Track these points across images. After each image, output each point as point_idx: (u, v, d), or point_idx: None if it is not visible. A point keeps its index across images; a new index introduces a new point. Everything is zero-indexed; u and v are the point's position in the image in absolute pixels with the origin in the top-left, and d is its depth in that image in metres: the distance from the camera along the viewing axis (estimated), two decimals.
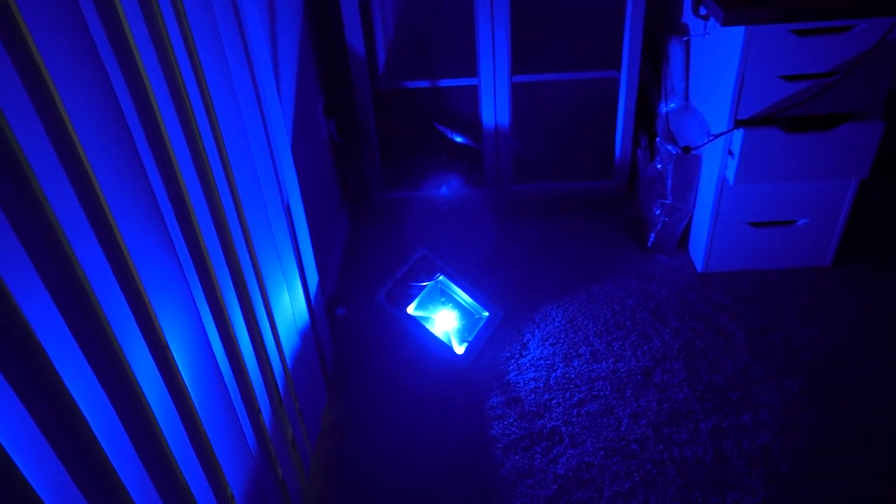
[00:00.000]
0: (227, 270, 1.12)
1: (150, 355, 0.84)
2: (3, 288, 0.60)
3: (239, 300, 1.17)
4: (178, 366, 0.93)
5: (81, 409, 0.69)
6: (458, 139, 2.55)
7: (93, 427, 0.70)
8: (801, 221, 2.07)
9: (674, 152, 2.09)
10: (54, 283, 0.66)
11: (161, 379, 0.86)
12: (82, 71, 0.73)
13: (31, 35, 0.66)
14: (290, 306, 1.47)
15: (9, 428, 0.61)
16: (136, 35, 0.87)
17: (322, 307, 1.79)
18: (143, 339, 0.82)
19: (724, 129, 1.90)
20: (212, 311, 1.04)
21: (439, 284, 2.07)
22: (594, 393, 1.83)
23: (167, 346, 0.89)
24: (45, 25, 0.67)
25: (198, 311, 0.97)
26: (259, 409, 1.26)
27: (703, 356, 1.90)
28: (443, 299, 2.06)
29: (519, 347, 1.98)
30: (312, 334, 1.65)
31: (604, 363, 1.91)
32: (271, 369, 1.34)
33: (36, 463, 0.64)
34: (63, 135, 0.69)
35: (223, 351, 1.08)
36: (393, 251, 2.38)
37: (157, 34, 0.90)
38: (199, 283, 1.00)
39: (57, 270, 0.67)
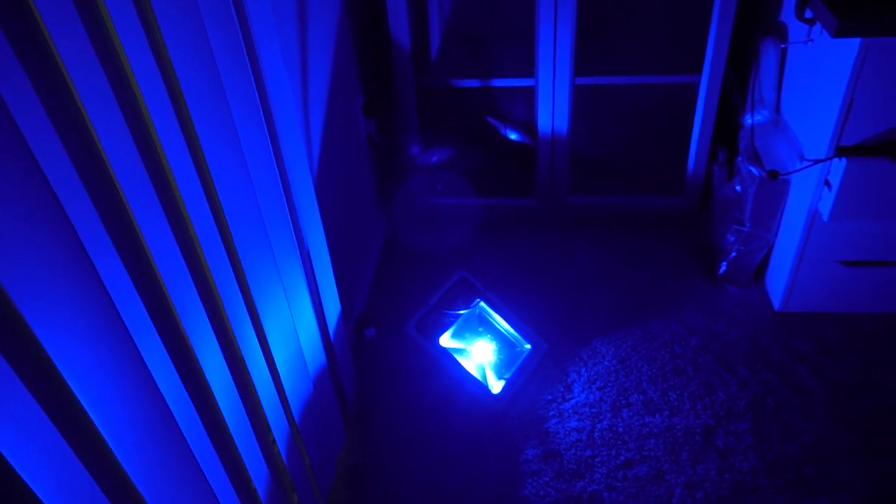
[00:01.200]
0: (209, 328, 0.94)
1: None
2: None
3: (226, 358, 1.00)
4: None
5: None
6: (513, 136, 2.30)
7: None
8: None
9: (757, 175, 1.81)
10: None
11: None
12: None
13: None
14: (299, 352, 1.30)
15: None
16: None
17: (344, 337, 1.62)
18: None
19: (823, 156, 1.61)
20: (178, 370, 0.87)
21: (478, 310, 1.87)
22: (644, 453, 1.61)
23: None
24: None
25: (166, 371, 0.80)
26: (250, 479, 1.10)
27: (776, 417, 1.65)
28: (481, 328, 1.86)
29: (562, 389, 1.77)
30: (329, 374, 1.48)
31: (657, 416, 1.68)
32: (270, 432, 1.18)
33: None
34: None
35: (197, 416, 0.92)
36: (432, 262, 2.19)
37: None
38: (159, 340, 0.83)
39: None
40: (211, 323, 0.95)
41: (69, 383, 0.69)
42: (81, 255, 0.68)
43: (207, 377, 0.95)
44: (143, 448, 0.81)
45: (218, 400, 0.98)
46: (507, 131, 2.29)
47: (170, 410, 0.83)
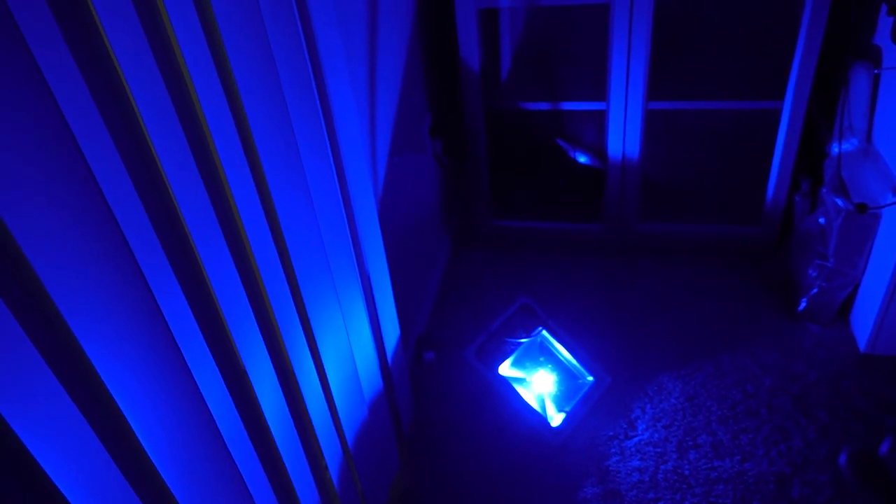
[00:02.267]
0: (264, 350, 0.94)
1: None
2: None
3: (280, 382, 0.99)
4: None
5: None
6: (582, 159, 2.25)
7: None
8: None
9: (843, 207, 1.70)
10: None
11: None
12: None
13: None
14: (355, 376, 1.28)
15: None
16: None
17: (402, 362, 1.60)
18: None
19: None
20: (232, 395, 0.87)
21: (539, 339, 1.82)
22: (711, 499, 1.51)
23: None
24: None
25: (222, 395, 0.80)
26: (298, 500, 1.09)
27: None
28: (542, 358, 1.81)
29: (625, 426, 1.69)
30: (385, 399, 1.46)
31: (727, 461, 1.59)
32: (323, 457, 1.17)
33: None
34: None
35: (249, 441, 0.91)
36: (495, 286, 2.15)
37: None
38: (215, 367, 0.83)
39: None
40: (266, 345, 0.95)
41: (121, 406, 0.69)
42: (137, 274, 0.69)
43: (260, 401, 0.94)
44: (193, 474, 0.81)
45: (270, 424, 0.97)
46: (577, 154, 2.24)
47: (221, 435, 0.83)
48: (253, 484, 0.92)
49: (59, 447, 0.61)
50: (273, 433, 0.98)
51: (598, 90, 1.95)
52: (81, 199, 0.61)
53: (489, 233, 2.29)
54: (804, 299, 1.88)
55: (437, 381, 1.87)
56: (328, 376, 1.17)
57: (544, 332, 1.81)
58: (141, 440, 0.72)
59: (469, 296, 2.15)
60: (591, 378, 1.76)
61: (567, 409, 1.71)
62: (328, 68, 1.08)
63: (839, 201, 1.72)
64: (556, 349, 1.81)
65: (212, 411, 0.81)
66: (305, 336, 1.07)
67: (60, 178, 0.59)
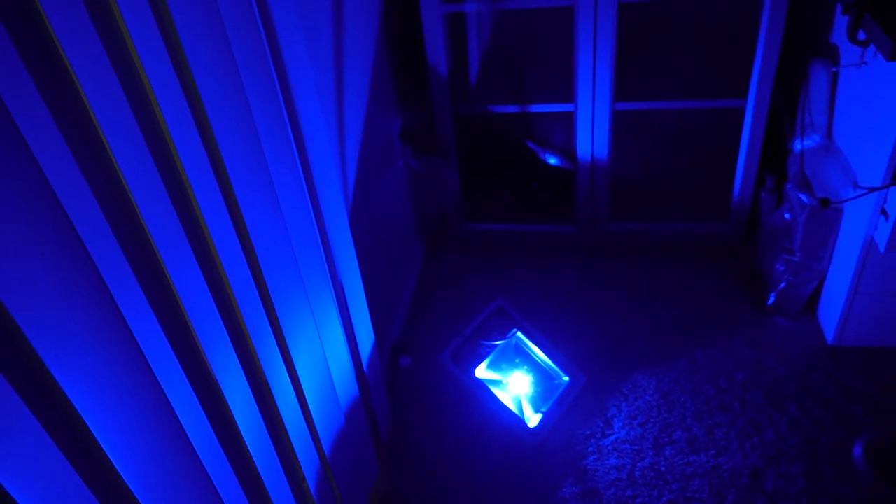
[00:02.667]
0: (235, 359, 0.93)
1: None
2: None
3: (253, 391, 0.98)
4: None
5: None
6: (553, 161, 2.27)
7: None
8: None
9: (808, 202, 1.73)
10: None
11: None
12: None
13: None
14: (330, 384, 1.28)
15: None
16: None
17: (378, 368, 1.59)
18: None
19: (879, 184, 1.53)
20: (202, 406, 0.85)
21: (515, 341, 1.82)
22: (688, 494, 1.53)
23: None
24: None
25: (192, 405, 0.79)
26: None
27: (830, 460, 1.56)
28: (518, 359, 1.82)
29: (601, 424, 1.71)
30: (362, 405, 1.46)
31: (702, 455, 1.61)
32: (300, 467, 1.16)
33: None
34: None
35: (220, 449, 0.90)
36: (470, 290, 2.16)
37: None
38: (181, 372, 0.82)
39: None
40: (238, 356, 0.94)
41: (87, 421, 0.67)
42: (103, 288, 0.67)
43: (233, 412, 0.93)
44: (165, 487, 0.80)
45: (244, 435, 0.96)
46: (547, 156, 2.25)
47: (192, 446, 0.82)
48: (227, 495, 0.91)
49: (24, 468, 0.59)
50: (248, 444, 0.97)
51: (566, 92, 1.97)
52: (38, 208, 0.60)
53: (463, 236, 2.30)
54: (773, 294, 1.91)
55: (413, 386, 1.87)
56: (303, 385, 1.16)
57: (519, 334, 1.82)
58: (109, 454, 0.70)
59: (444, 300, 2.15)
60: (566, 378, 1.77)
61: (544, 409, 1.72)
62: (294, 76, 1.07)
63: (803, 197, 1.75)
64: (531, 350, 1.81)
65: (182, 423, 0.80)
66: (278, 345, 1.06)
67: (14, 183, 0.58)
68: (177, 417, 0.79)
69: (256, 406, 1.00)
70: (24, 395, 0.59)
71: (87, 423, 0.67)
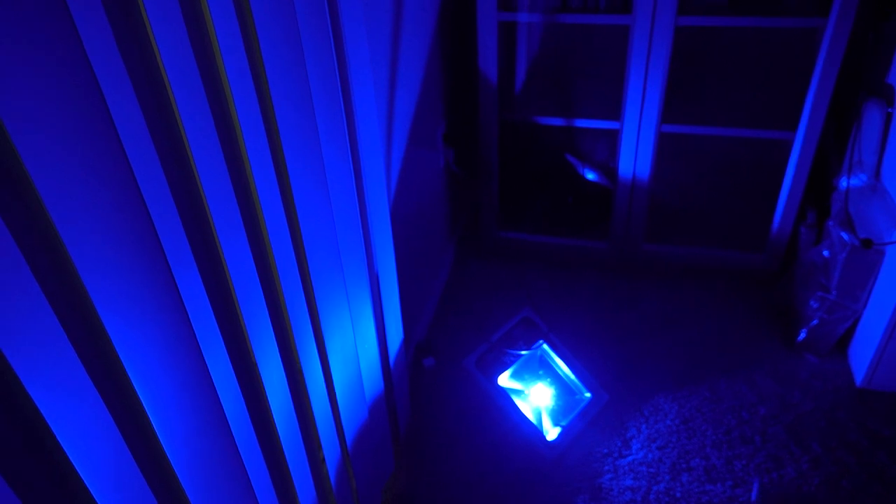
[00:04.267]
0: (273, 342, 0.95)
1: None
2: None
3: (287, 374, 1.00)
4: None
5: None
6: (591, 176, 2.27)
7: None
8: None
9: (849, 241, 1.72)
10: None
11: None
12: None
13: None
14: (358, 376, 1.29)
15: None
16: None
17: (403, 366, 1.61)
18: None
19: None
20: (240, 383, 0.87)
21: (539, 352, 1.83)
22: None
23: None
24: None
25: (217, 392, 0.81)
26: (296, 497, 1.09)
27: (851, 503, 1.53)
28: (541, 371, 1.82)
29: (620, 444, 1.70)
30: (385, 401, 1.47)
31: (719, 485, 1.59)
32: (321, 451, 1.17)
33: None
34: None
35: (252, 430, 0.92)
36: (497, 297, 2.16)
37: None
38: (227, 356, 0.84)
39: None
40: (276, 338, 0.96)
41: (136, 387, 0.70)
42: (162, 260, 0.70)
43: (267, 391, 0.95)
44: (196, 453, 0.81)
45: (274, 415, 0.98)
46: (586, 171, 2.25)
47: (227, 421, 0.84)
48: (253, 472, 0.92)
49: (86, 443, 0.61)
50: (277, 426, 0.99)
51: (613, 109, 1.97)
52: (121, 196, 0.62)
53: (495, 244, 2.30)
54: (804, 329, 1.89)
55: (435, 388, 1.87)
56: (333, 374, 1.17)
57: (545, 346, 1.82)
58: (156, 428, 0.72)
59: (471, 305, 2.15)
60: (588, 394, 1.77)
61: (563, 423, 1.72)
62: (353, 68, 1.09)
63: (845, 235, 1.73)
64: (555, 363, 1.81)
65: (219, 394, 0.82)
66: (314, 333, 1.08)
67: (101, 170, 0.60)
68: (216, 393, 0.81)
69: (288, 389, 1.01)
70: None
71: (138, 389, 0.69)
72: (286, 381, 1.01)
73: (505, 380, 1.77)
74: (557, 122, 2.06)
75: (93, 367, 0.62)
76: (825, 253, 1.83)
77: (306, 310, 1.05)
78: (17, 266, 0.53)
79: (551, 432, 1.72)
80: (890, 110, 1.68)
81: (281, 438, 1.01)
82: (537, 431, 1.68)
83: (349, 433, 1.29)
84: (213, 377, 0.80)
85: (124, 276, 0.66)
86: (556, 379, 1.81)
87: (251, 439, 0.92)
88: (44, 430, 0.58)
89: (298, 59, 0.91)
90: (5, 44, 0.49)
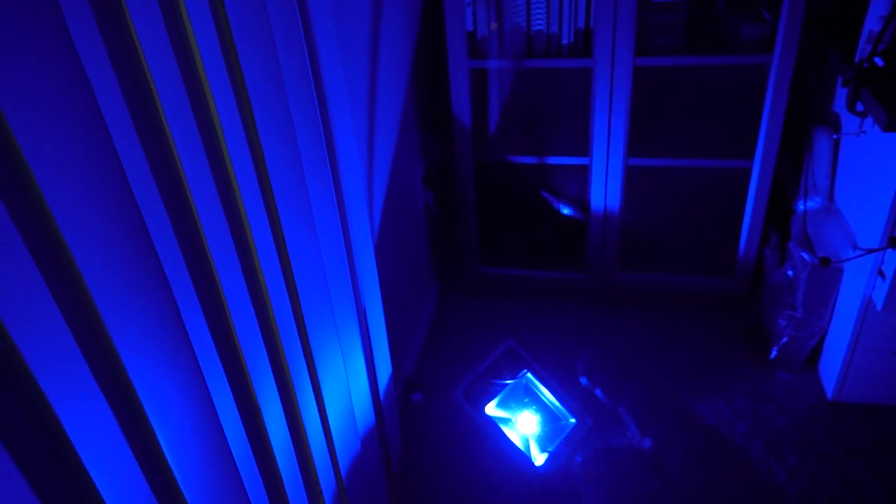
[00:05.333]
0: (272, 380, 1.01)
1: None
2: None
3: (286, 412, 1.06)
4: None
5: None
6: (566, 211, 2.37)
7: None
8: None
9: (809, 261, 1.82)
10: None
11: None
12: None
13: None
14: (351, 410, 1.35)
15: None
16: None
17: (393, 399, 1.66)
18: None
19: (876, 245, 1.61)
20: (244, 422, 0.93)
21: (524, 382, 1.89)
22: None
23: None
24: None
25: (228, 421, 0.86)
26: None
27: None
28: (527, 399, 1.88)
29: None
30: (377, 434, 1.52)
31: None
32: (319, 485, 1.22)
33: None
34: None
35: (254, 465, 0.97)
36: (481, 331, 2.23)
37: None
38: (228, 388, 0.89)
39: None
40: (273, 375, 1.02)
41: (150, 417, 0.75)
42: (168, 294, 0.76)
43: (267, 427, 1.00)
44: (203, 483, 0.87)
45: (275, 450, 1.03)
46: (560, 206, 2.35)
47: (232, 457, 0.89)
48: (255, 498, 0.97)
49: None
50: (278, 462, 1.04)
51: (582, 146, 2.08)
52: (122, 221, 0.69)
53: (476, 279, 2.38)
54: (775, 348, 1.98)
55: (424, 421, 1.92)
56: (327, 407, 1.23)
57: (529, 375, 1.88)
58: (165, 451, 0.78)
59: (455, 340, 2.22)
60: (573, 420, 1.82)
61: (550, 449, 1.77)
62: (336, 120, 1.18)
63: (805, 255, 1.84)
64: (540, 391, 1.87)
65: (225, 434, 0.87)
66: (308, 367, 1.14)
67: (115, 220, 0.67)
68: (223, 431, 0.86)
69: (286, 423, 1.07)
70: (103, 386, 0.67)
71: (153, 425, 0.75)
72: (284, 417, 1.06)
73: (492, 409, 1.83)
74: (530, 160, 2.16)
75: (122, 417, 0.68)
76: (789, 273, 1.93)
77: (301, 349, 1.11)
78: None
79: (539, 458, 1.77)
80: (836, 136, 1.80)
81: (281, 472, 1.06)
82: (525, 458, 1.73)
83: (343, 465, 1.34)
84: (219, 415, 0.86)
85: (133, 299, 0.72)
86: (542, 406, 1.87)
87: (254, 472, 0.97)
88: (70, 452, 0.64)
89: (287, 119, 0.99)
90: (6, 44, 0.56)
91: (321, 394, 1.21)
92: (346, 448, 1.34)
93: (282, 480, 1.07)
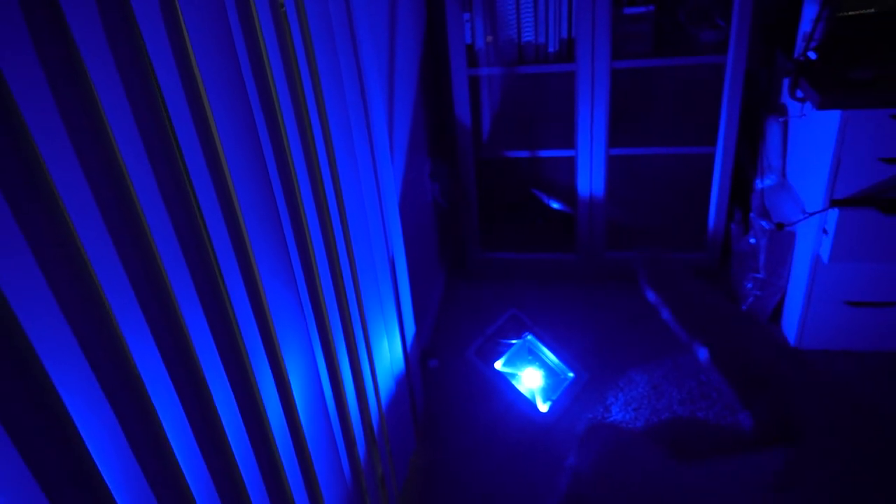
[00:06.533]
0: (338, 316, 1.28)
1: (274, 387, 1.00)
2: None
3: (346, 344, 1.33)
4: (295, 398, 1.09)
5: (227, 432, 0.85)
6: (555, 205, 2.68)
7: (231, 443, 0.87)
8: None
9: (767, 228, 2.12)
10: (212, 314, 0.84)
11: (281, 409, 1.02)
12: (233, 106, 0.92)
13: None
14: (388, 353, 1.62)
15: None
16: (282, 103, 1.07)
17: (417, 357, 1.94)
18: (270, 374, 0.99)
19: (819, 208, 1.92)
20: (323, 352, 1.20)
21: (527, 343, 2.17)
22: None
23: (288, 382, 1.06)
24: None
25: (313, 352, 1.13)
26: (355, 442, 1.40)
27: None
28: (530, 357, 2.16)
29: (602, 409, 2.04)
30: (406, 382, 1.79)
31: None
32: (368, 409, 1.49)
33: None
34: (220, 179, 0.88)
35: (330, 388, 1.24)
36: (485, 309, 2.51)
37: (300, 111, 1.10)
38: (314, 326, 1.17)
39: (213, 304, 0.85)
40: (342, 326, 1.30)
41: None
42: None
43: (339, 363, 1.28)
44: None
45: (343, 381, 1.31)
46: (550, 202, 2.66)
47: (320, 379, 1.16)
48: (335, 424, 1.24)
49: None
50: (345, 389, 1.32)
51: (568, 140, 2.38)
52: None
53: (479, 264, 2.67)
54: (744, 307, 2.27)
55: (441, 384, 2.20)
56: (373, 352, 1.51)
57: (530, 336, 2.17)
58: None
59: (463, 317, 2.50)
60: (571, 374, 2.11)
61: (553, 398, 2.05)
62: (375, 123, 1.47)
63: (764, 223, 2.14)
64: (541, 350, 2.16)
65: (316, 365, 1.15)
66: (360, 320, 1.42)
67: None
68: (314, 360, 1.14)
69: (349, 362, 1.34)
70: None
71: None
72: (347, 357, 1.34)
73: (500, 366, 2.10)
74: (524, 154, 2.47)
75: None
76: (752, 241, 2.23)
77: (356, 303, 1.39)
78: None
79: (543, 407, 2.05)
80: (783, 119, 2.12)
81: (347, 400, 1.33)
82: (532, 405, 2.00)
83: (384, 400, 1.61)
84: (313, 351, 1.13)
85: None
86: (543, 364, 2.15)
87: (329, 396, 1.25)
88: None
89: (347, 130, 1.29)
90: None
91: (369, 341, 1.49)
92: (386, 386, 1.62)
93: (347, 406, 1.34)
